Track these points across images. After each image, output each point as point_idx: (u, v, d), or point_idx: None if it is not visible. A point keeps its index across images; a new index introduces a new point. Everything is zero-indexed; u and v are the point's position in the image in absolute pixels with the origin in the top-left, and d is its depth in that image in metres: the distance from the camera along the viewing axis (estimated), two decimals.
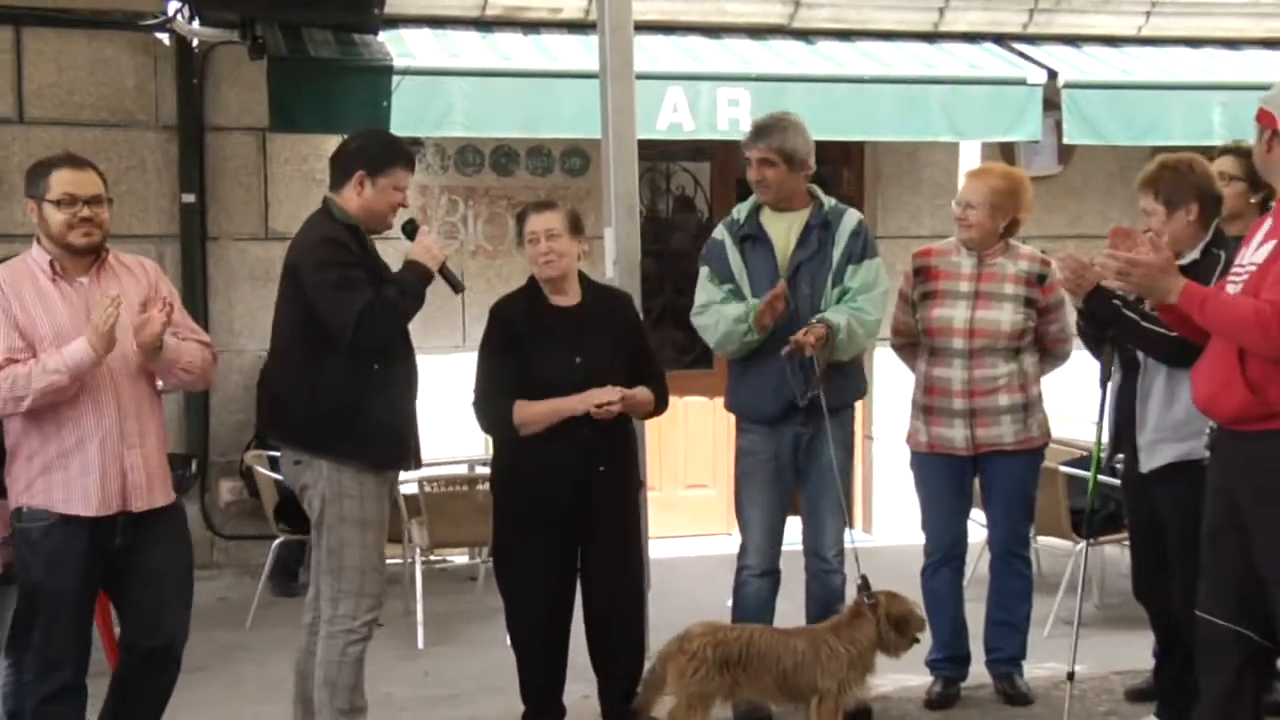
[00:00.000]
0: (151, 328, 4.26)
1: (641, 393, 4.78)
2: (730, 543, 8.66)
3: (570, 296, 4.82)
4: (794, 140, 5.16)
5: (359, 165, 4.54)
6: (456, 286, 4.70)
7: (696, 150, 9.15)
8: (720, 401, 8.82)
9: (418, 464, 4.71)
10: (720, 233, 5.28)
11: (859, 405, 5.47)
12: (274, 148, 8.18)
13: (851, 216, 5.25)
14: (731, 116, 7.44)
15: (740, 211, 5.29)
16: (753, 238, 5.19)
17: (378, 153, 4.57)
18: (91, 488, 4.23)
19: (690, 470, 9.08)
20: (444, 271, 4.61)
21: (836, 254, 5.16)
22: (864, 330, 5.11)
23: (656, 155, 8.72)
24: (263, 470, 7.08)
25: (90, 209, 4.29)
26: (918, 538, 5.59)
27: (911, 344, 5.53)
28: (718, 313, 5.15)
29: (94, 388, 4.24)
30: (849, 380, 5.26)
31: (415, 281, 4.51)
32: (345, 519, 4.49)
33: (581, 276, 4.88)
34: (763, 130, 5.19)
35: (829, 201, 5.26)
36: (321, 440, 4.45)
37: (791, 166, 5.15)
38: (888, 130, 7.81)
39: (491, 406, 4.71)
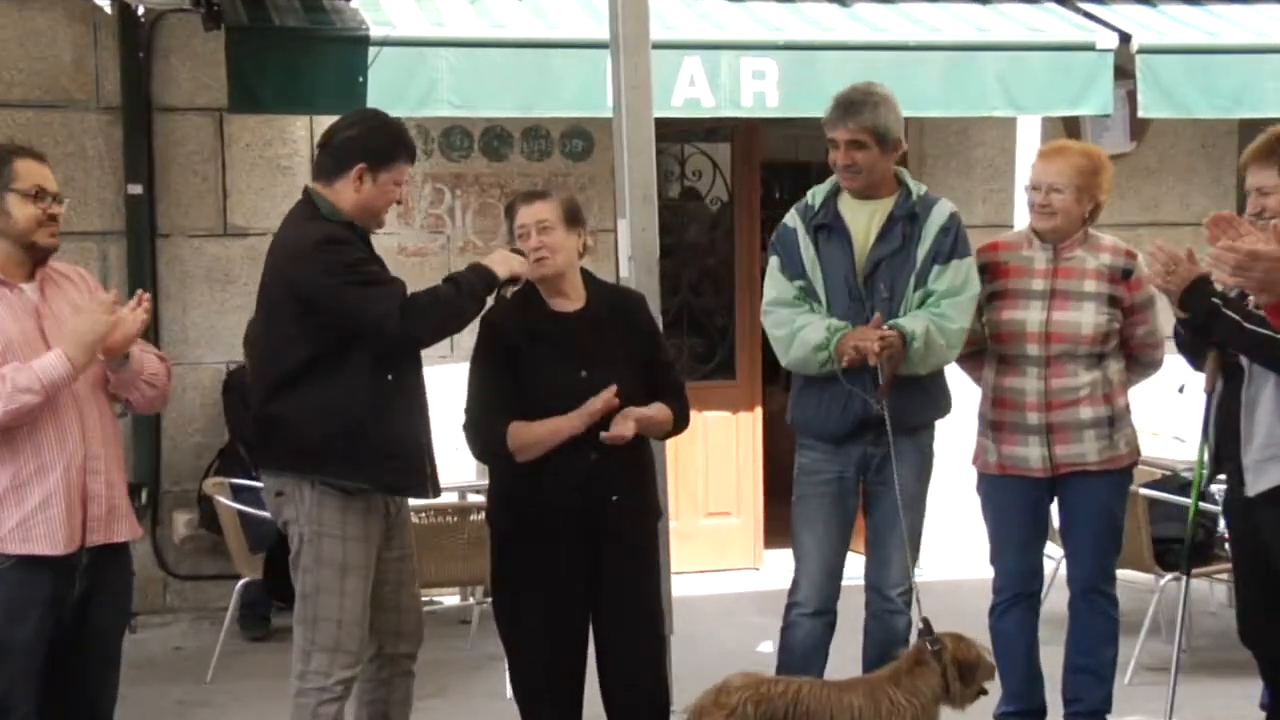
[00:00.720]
0: (125, 329, 4.21)
1: (658, 411, 4.71)
2: (759, 578, 8.75)
3: (572, 299, 4.76)
4: (886, 116, 5.09)
5: (359, 157, 4.50)
6: (504, 295, 4.68)
7: (713, 130, 9.12)
8: (745, 418, 9.04)
9: (436, 491, 4.67)
10: (792, 219, 5.22)
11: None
12: (233, 130, 8.14)
13: (943, 209, 5.17)
14: (756, 90, 7.39)
15: (815, 196, 5.22)
16: (828, 227, 5.14)
17: (381, 144, 4.54)
18: (56, 522, 4.14)
19: (712, 496, 9.04)
20: (502, 287, 4.60)
21: (921, 251, 5.09)
22: (945, 340, 5.04)
23: (669, 136, 8.68)
24: (224, 500, 7.02)
25: (56, 206, 4.27)
26: (974, 572, 5.53)
27: (976, 352, 5.45)
28: (791, 326, 5.07)
29: (55, 404, 4.17)
30: (929, 396, 5.19)
31: (476, 281, 4.51)
32: (323, 561, 4.46)
33: (586, 276, 4.83)
34: (851, 106, 5.09)
35: (918, 189, 5.21)
36: (319, 460, 4.42)
37: (884, 148, 5.09)
38: (934, 105, 7.75)
39: (484, 429, 4.65)
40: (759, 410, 9.09)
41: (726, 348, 9.18)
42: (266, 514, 7.11)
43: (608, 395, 4.55)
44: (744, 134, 9.03)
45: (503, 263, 4.57)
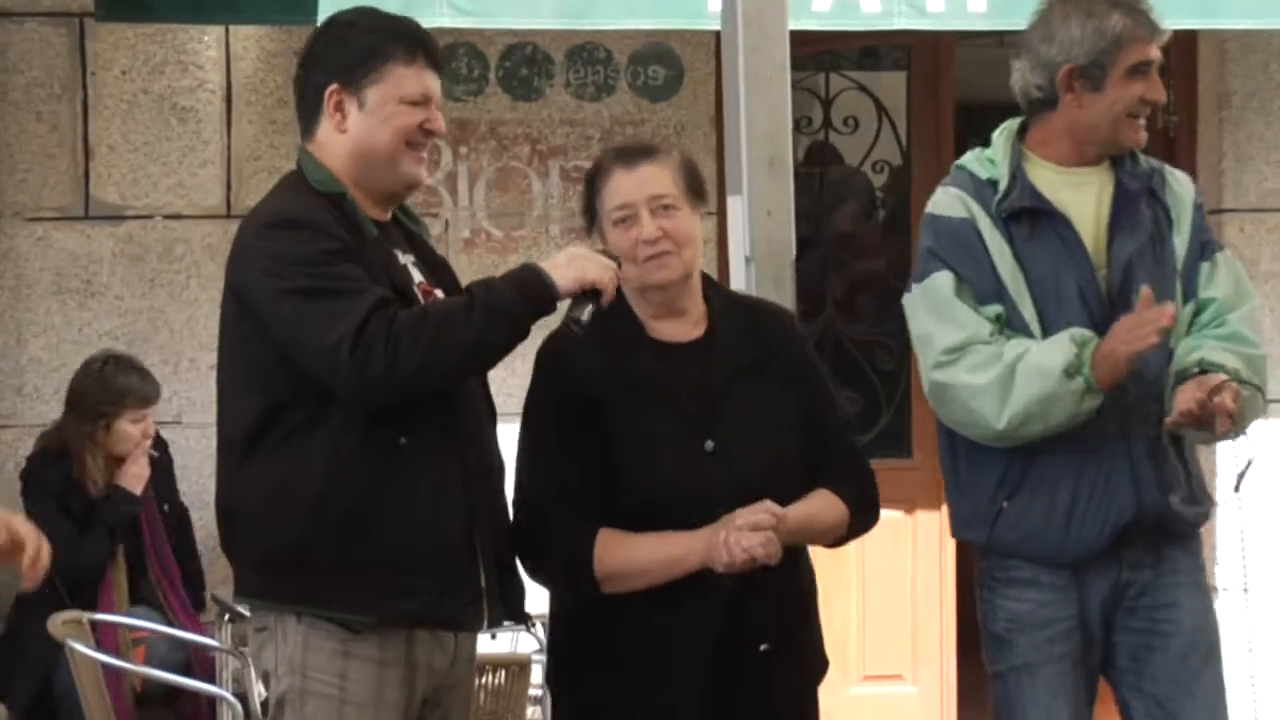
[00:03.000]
0: None
1: (821, 507, 4.73)
2: None
3: (691, 321, 4.82)
4: None
5: (328, 77, 4.55)
6: (582, 323, 4.54)
7: (875, 51, 9.23)
8: (927, 521, 9.11)
9: (498, 618, 4.64)
10: (958, 204, 5.14)
11: None
12: (102, 49, 8.28)
13: (1180, 175, 5.26)
14: None
15: (990, 165, 5.18)
16: (1029, 214, 5.07)
17: (355, 44, 4.57)
18: None
19: (873, 648, 9.06)
20: (586, 306, 4.49)
21: (1180, 242, 5.12)
22: (1259, 377, 5.02)
23: (806, 62, 8.74)
24: (84, 649, 6.95)
25: None
26: None
27: None
28: (1001, 363, 4.97)
29: None
30: (1198, 477, 5.17)
31: (510, 293, 4.42)
32: None
33: (706, 283, 4.90)
34: (1149, 9, 5.16)
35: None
36: (297, 577, 4.45)
37: None
38: (1244, 10, 7.75)
39: (554, 538, 4.69)
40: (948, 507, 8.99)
41: (897, 404, 9.23)
42: (128, 665, 7.26)
43: (762, 519, 4.51)
44: (928, 58, 9.09)
45: (570, 265, 4.48)
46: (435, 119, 4.60)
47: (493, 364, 4.54)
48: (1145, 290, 4.88)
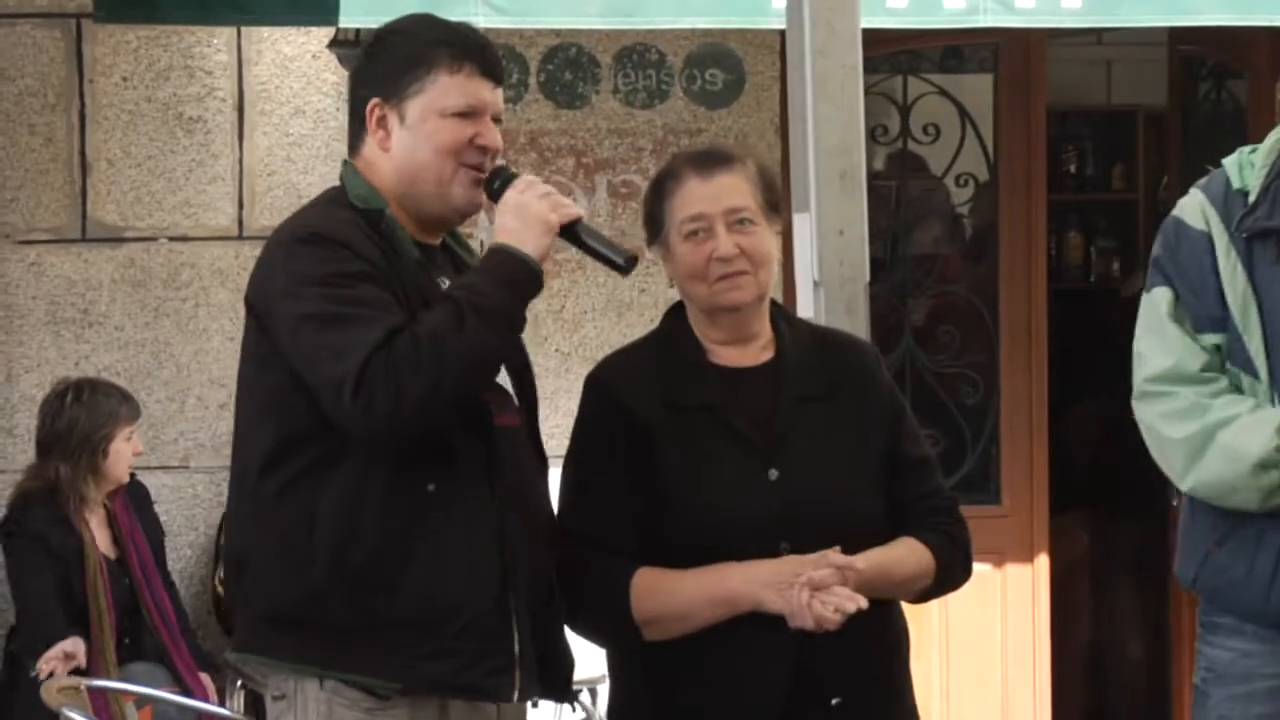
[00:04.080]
0: None
1: (903, 557, 4.71)
2: None
3: (759, 346, 4.83)
4: None
5: (369, 90, 4.56)
6: (618, 263, 4.57)
7: (959, 51, 9.26)
8: (1019, 576, 9.14)
9: (529, 691, 4.56)
10: (1200, 212, 4.96)
11: None
12: (102, 54, 8.32)
13: None
14: None
15: (1246, 171, 5.00)
16: (1275, 235, 4.93)
17: (399, 53, 4.58)
18: None
19: (958, 716, 9.05)
20: (583, 242, 4.53)
21: None
22: None
23: (880, 64, 8.81)
24: (75, 717, 6.95)
25: None
26: None
27: None
28: (1202, 420, 4.84)
29: None
30: None
31: (494, 289, 4.39)
32: None
33: (774, 309, 4.91)
34: None
35: None
36: (314, 638, 4.42)
37: None
38: None
39: (587, 579, 4.69)
40: (1043, 561, 9.07)
41: (983, 445, 9.23)
42: None
43: (828, 566, 4.48)
44: (1017, 59, 9.08)
45: (527, 224, 4.44)
46: (488, 133, 4.56)
47: (498, 368, 4.55)
48: None
